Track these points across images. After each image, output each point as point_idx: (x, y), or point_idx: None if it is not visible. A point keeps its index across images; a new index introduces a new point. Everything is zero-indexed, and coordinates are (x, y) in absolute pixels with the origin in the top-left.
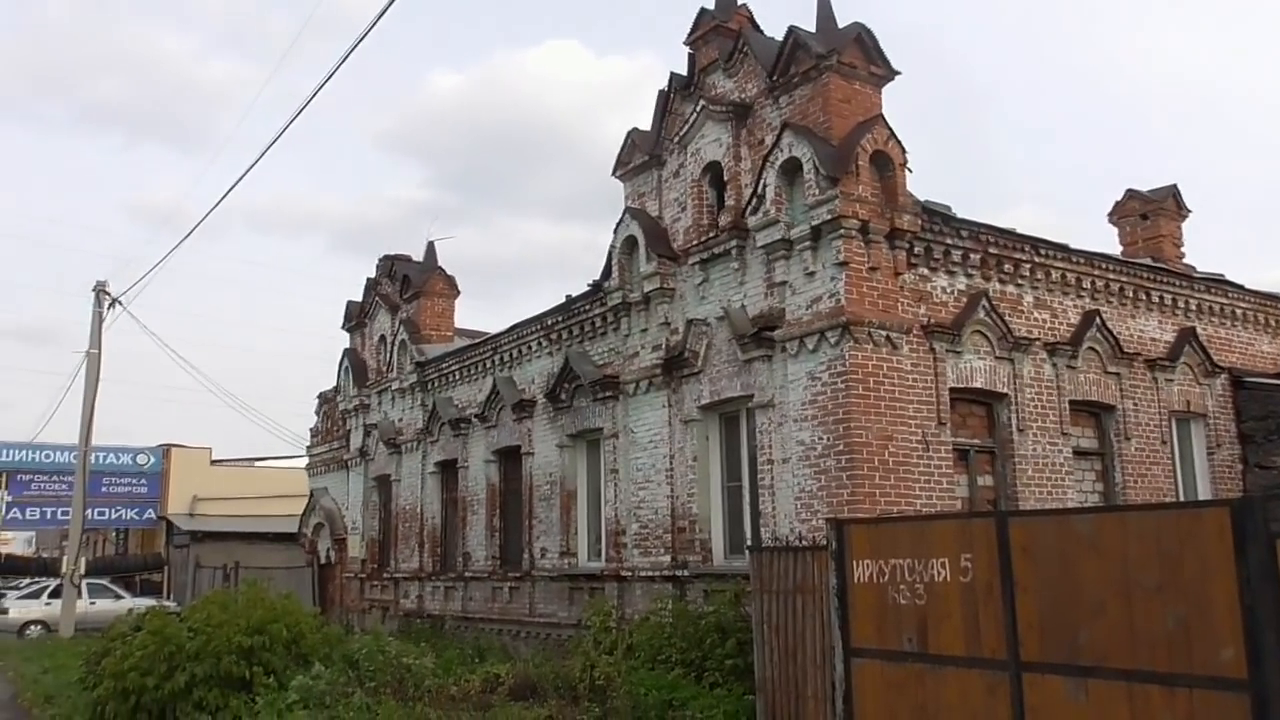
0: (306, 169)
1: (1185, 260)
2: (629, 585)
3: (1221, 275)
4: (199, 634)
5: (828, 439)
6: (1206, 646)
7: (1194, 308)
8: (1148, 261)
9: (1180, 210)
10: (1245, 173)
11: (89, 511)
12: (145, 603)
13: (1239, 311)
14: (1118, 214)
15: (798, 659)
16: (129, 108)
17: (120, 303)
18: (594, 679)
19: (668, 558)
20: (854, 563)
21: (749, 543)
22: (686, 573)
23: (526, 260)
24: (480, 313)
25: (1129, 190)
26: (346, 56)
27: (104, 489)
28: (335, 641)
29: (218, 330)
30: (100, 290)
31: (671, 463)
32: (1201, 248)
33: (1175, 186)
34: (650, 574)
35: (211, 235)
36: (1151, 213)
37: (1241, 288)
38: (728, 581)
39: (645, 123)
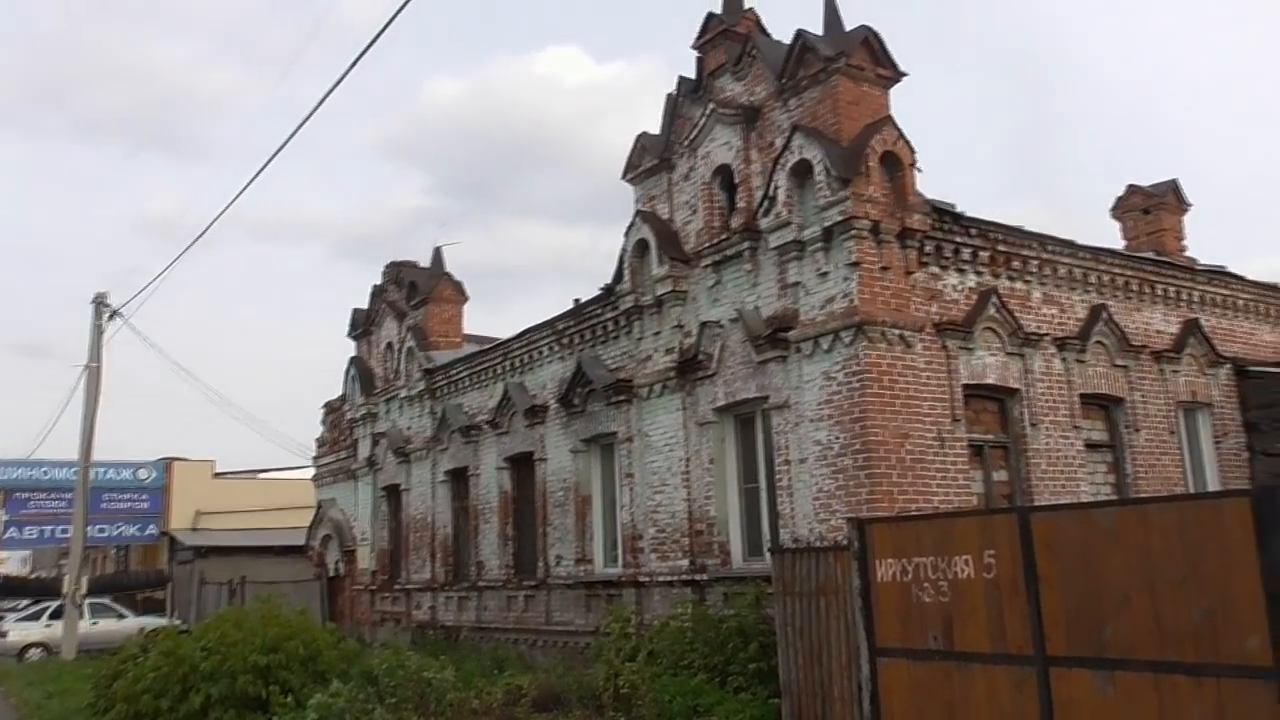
0: (307, 177)
1: (1187, 253)
2: (647, 591)
3: (1223, 267)
4: (213, 653)
5: (845, 438)
6: (1232, 636)
7: (1197, 300)
8: (1151, 255)
9: (1181, 204)
10: (1240, 164)
11: (89, 529)
12: (150, 621)
13: (1241, 302)
14: (1120, 209)
15: (823, 660)
16: (127, 118)
17: (120, 315)
18: (618, 687)
19: (686, 562)
20: (876, 562)
21: (769, 545)
22: (705, 576)
23: (528, 265)
24: (483, 317)
25: (1130, 185)
26: (353, 65)
27: (104, 505)
28: (353, 657)
29: (220, 341)
30: (100, 302)
31: (687, 465)
32: (1202, 240)
33: (1175, 181)
34: (668, 579)
35: (212, 245)
36: (1153, 207)
37: (1242, 279)
38: (748, 584)
39: (646, 127)
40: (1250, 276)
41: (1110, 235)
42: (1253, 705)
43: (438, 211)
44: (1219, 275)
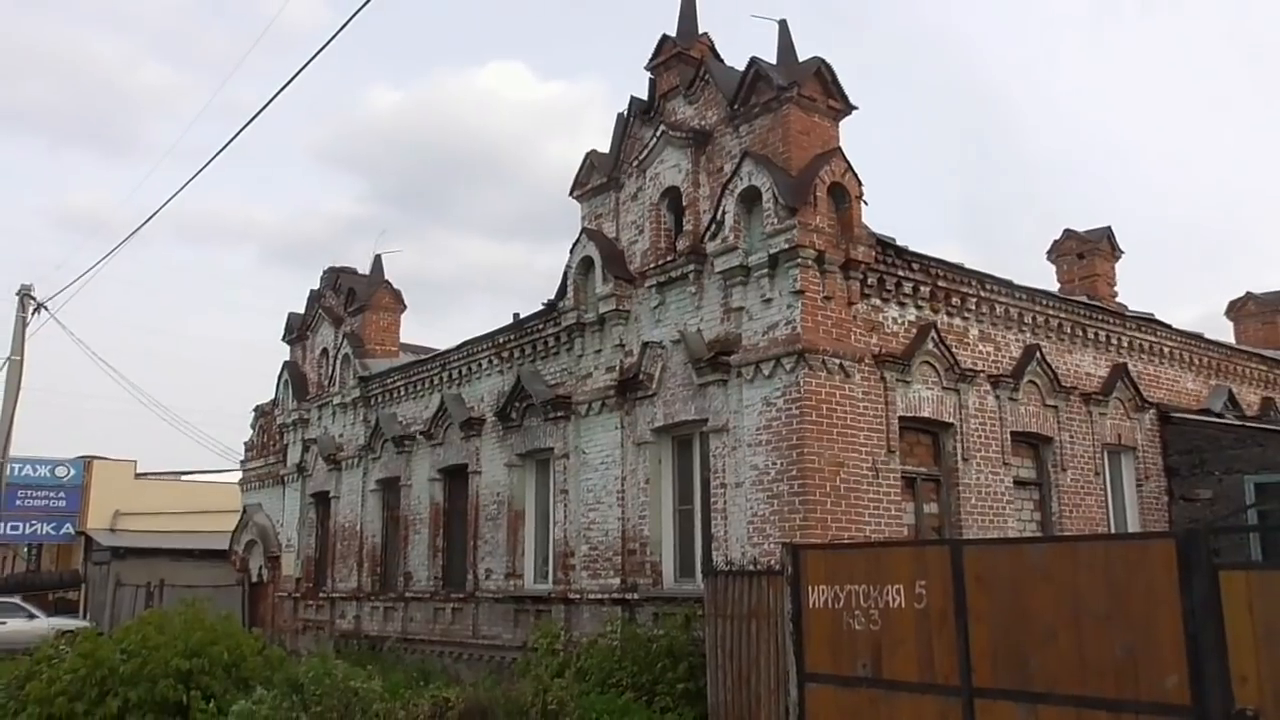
0: (238, 180)
1: (1118, 299)
2: (577, 608)
3: (1151, 315)
4: (133, 656)
5: (781, 464)
6: (1152, 674)
7: (1126, 345)
8: (1084, 299)
9: (1114, 251)
10: (1166, 214)
11: (2, 526)
12: (62, 622)
13: (1166, 350)
14: (1056, 253)
15: (751, 684)
16: (53, 111)
17: (46, 308)
18: (545, 703)
19: (617, 580)
20: (809, 588)
21: (702, 566)
22: (636, 596)
23: (462, 279)
24: (413, 328)
25: (1067, 230)
26: (301, 70)
27: (19, 502)
28: (277, 664)
29: (146, 342)
30: (25, 295)
31: (623, 484)
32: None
33: (1109, 228)
34: (599, 596)
35: (140, 245)
36: (1087, 252)
37: (1169, 327)
38: (679, 605)
39: (584, 148)
40: (1176, 325)
41: (1045, 278)
42: None
43: (372, 220)
44: (1147, 322)
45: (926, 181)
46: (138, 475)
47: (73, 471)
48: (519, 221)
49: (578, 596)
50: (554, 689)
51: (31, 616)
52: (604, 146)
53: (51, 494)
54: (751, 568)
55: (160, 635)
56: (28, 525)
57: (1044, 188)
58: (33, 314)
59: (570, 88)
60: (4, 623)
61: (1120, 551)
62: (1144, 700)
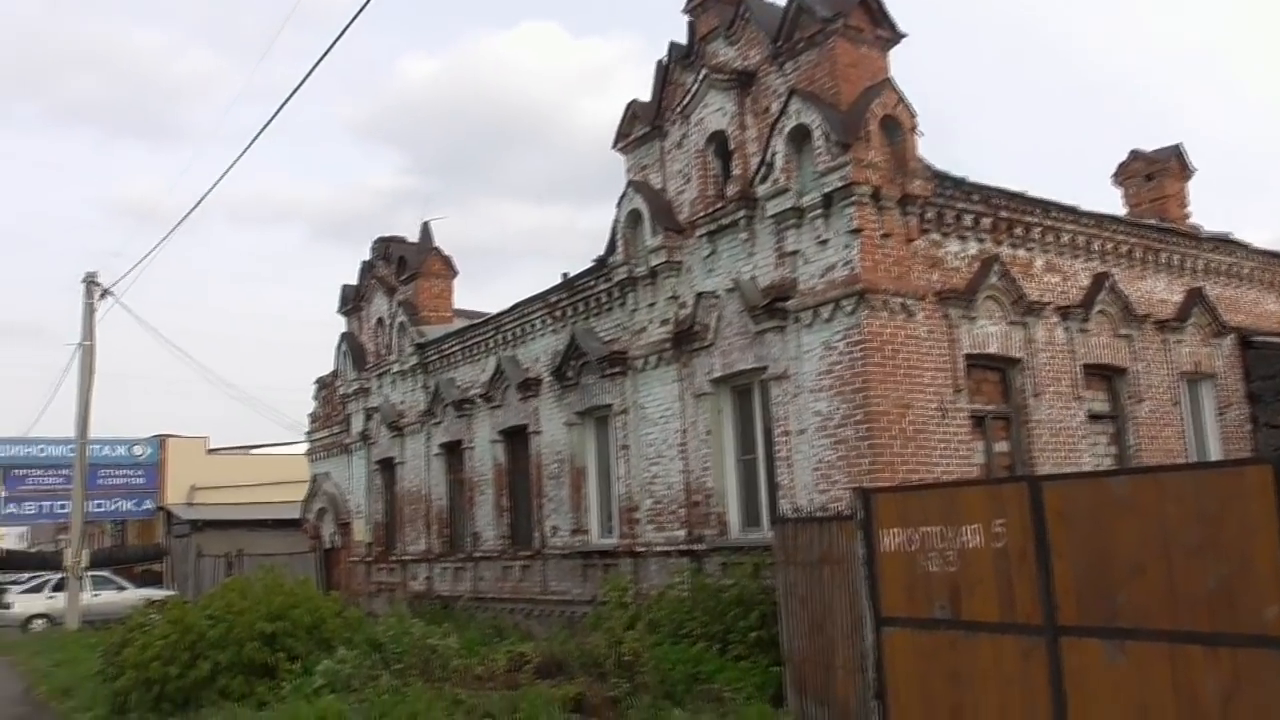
0: (283, 160)
1: (1190, 221)
2: (644, 560)
3: (1228, 234)
4: (220, 621)
5: (845, 409)
6: (1249, 605)
7: (1201, 268)
8: (1155, 222)
9: (1185, 170)
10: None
11: (87, 504)
12: (149, 593)
13: (1245, 271)
14: (1122, 175)
15: (825, 630)
16: (101, 105)
17: (111, 293)
18: (620, 655)
19: (683, 532)
20: (881, 531)
21: (774, 514)
22: (703, 546)
23: (506, 244)
24: (463, 294)
25: (1133, 151)
26: (334, 44)
27: (101, 481)
28: (356, 625)
29: (204, 323)
30: (90, 281)
31: (684, 437)
32: (1204, 208)
33: (1179, 146)
34: (665, 549)
35: (191, 230)
36: (1156, 173)
37: (1248, 247)
38: (746, 554)
39: (620, 103)
40: (1255, 245)
41: (1111, 202)
42: (1270, 676)
43: (416, 191)
44: (1224, 243)
45: (981, 115)
46: (209, 451)
47: (149, 450)
48: (560, 183)
49: (644, 549)
50: (628, 641)
51: (121, 588)
52: (641, 101)
53: (130, 472)
54: (820, 514)
55: (244, 600)
56: (111, 503)
57: (1107, 110)
58: (99, 299)
59: (604, 44)
60: (97, 594)
61: (1211, 480)
62: (1242, 633)
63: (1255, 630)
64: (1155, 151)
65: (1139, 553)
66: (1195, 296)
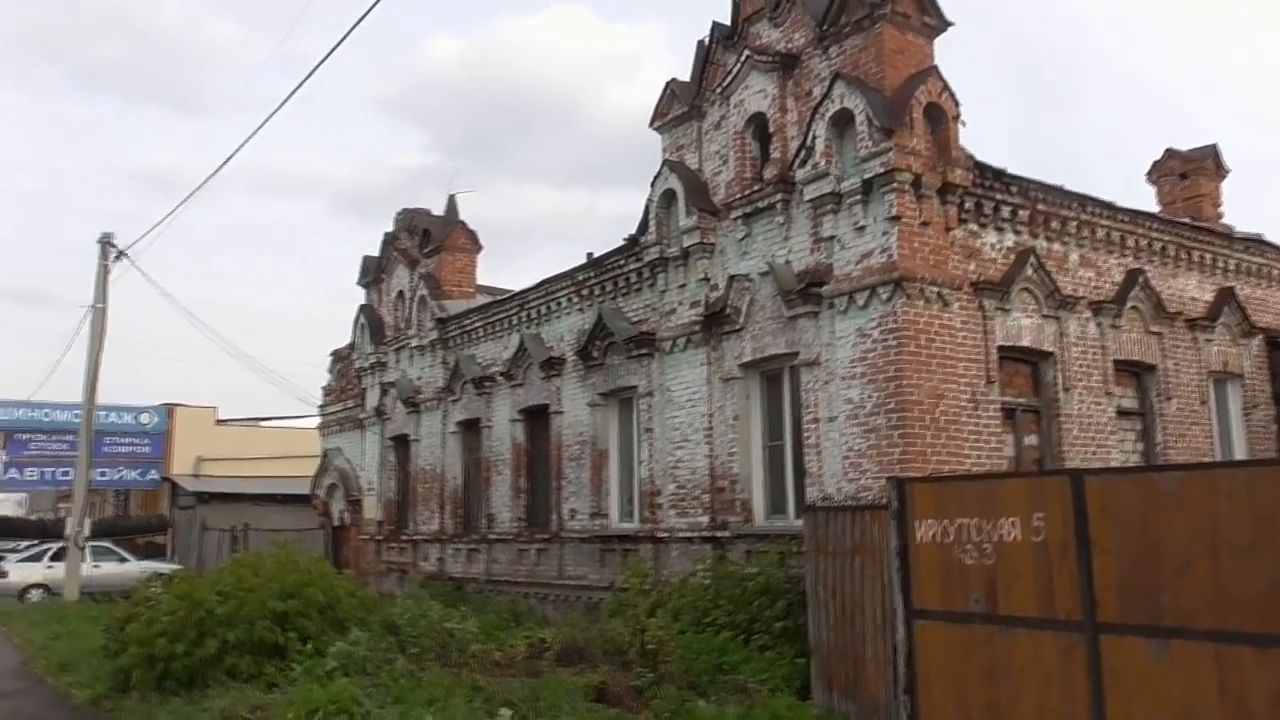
0: (305, 133)
1: (1224, 220)
2: (665, 546)
3: (1260, 235)
4: (230, 598)
5: (878, 397)
6: None
7: (1233, 268)
8: (1189, 221)
9: (1219, 170)
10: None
11: (91, 472)
12: (152, 566)
13: (1276, 272)
14: (1157, 173)
15: (855, 621)
16: (125, 71)
17: (127, 255)
18: (644, 643)
19: (706, 518)
20: (916, 522)
21: (800, 502)
22: (727, 533)
23: (526, 226)
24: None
25: (1168, 149)
26: (361, 20)
27: (106, 449)
28: (371, 606)
29: (221, 293)
30: (106, 243)
31: (710, 421)
32: (1238, 208)
33: (1215, 146)
34: (688, 535)
35: (211, 199)
36: (1191, 172)
37: (1278, 248)
38: (771, 542)
39: (645, 90)
40: None
41: (1144, 200)
42: None
43: (437, 169)
44: (1255, 244)
45: (1012, 113)
46: (218, 422)
47: (156, 418)
48: (581, 168)
49: (666, 535)
50: (651, 628)
51: (123, 560)
52: (680, 80)
53: (136, 440)
54: (852, 503)
55: (255, 577)
56: (115, 471)
57: (1140, 115)
58: (114, 261)
59: (632, 29)
60: (97, 566)
61: (1266, 478)
62: None
63: None
64: (1191, 150)
65: (1186, 550)
66: (1226, 296)
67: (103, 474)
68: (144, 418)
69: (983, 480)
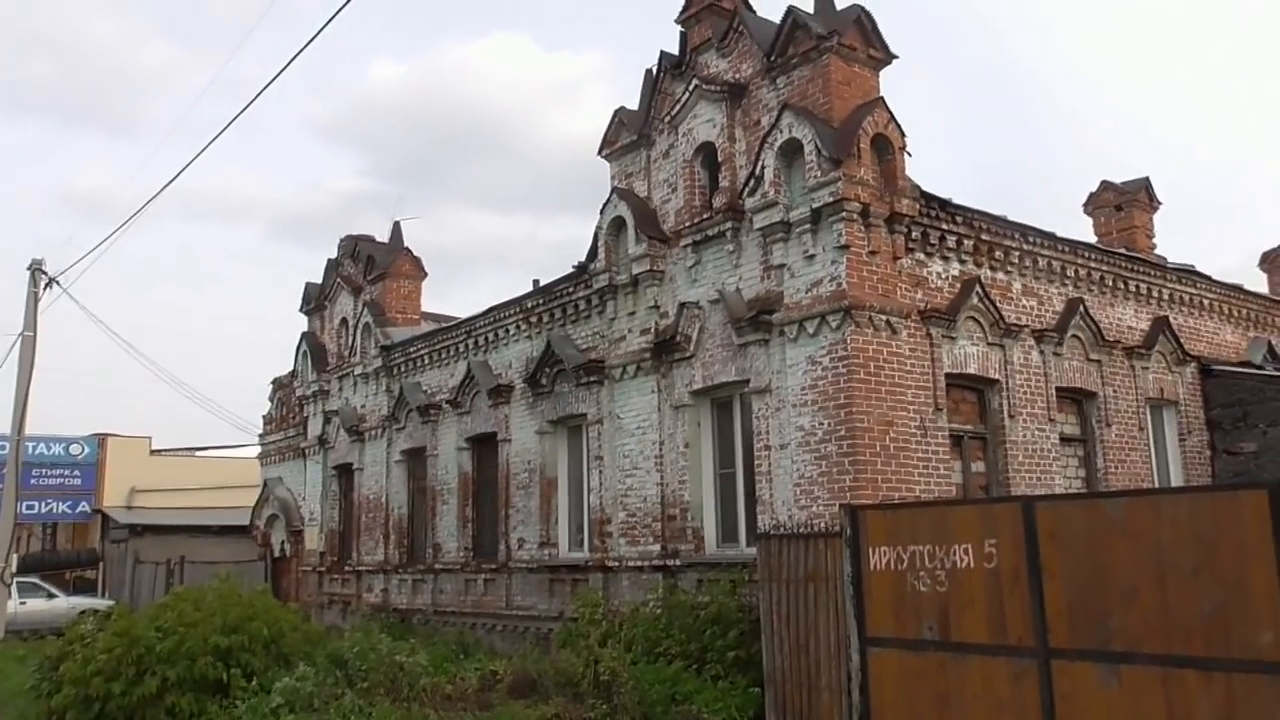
0: (242, 157)
1: (1157, 251)
2: (615, 576)
3: (1191, 266)
4: (170, 634)
5: (829, 424)
6: (1245, 630)
7: (1166, 297)
8: (1124, 251)
9: (1152, 202)
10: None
11: (19, 506)
12: (82, 601)
13: (1207, 302)
14: (1093, 204)
15: (809, 650)
16: (57, 91)
17: (58, 283)
18: (598, 674)
19: (657, 547)
20: (870, 549)
21: (752, 530)
22: (678, 562)
23: (468, 252)
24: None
25: (1103, 182)
26: (301, 51)
27: (34, 481)
28: (318, 640)
29: (156, 317)
30: (36, 269)
31: (661, 449)
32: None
33: (1147, 179)
34: (639, 564)
35: (146, 222)
36: (1125, 203)
37: (1209, 279)
38: (723, 570)
39: (587, 119)
40: (1216, 277)
41: (1082, 230)
42: (1265, 701)
43: (375, 194)
44: (1187, 274)
45: (946, 144)
46: (153, 452)
47: (87, 449)
48: (523, 194)
49: (616, 564)
50: (605, 659)
51: (51, 596)
52: (606, 118)
53: (66, 472)
54: (805, 530)
55: (197, 612)
56: (44, 504)
57: (1065, 148)
58: (45, 289)
59: (575, 58)
60: (23, 603)
61: (1208, 504)
62: (1237, 658)
63: (1250, 655)
64: (1125, 183)
65: (1133, 576)
66: (1161, 325)
67: (30, 507)
68: (75, 448)
69: (935, 507)
